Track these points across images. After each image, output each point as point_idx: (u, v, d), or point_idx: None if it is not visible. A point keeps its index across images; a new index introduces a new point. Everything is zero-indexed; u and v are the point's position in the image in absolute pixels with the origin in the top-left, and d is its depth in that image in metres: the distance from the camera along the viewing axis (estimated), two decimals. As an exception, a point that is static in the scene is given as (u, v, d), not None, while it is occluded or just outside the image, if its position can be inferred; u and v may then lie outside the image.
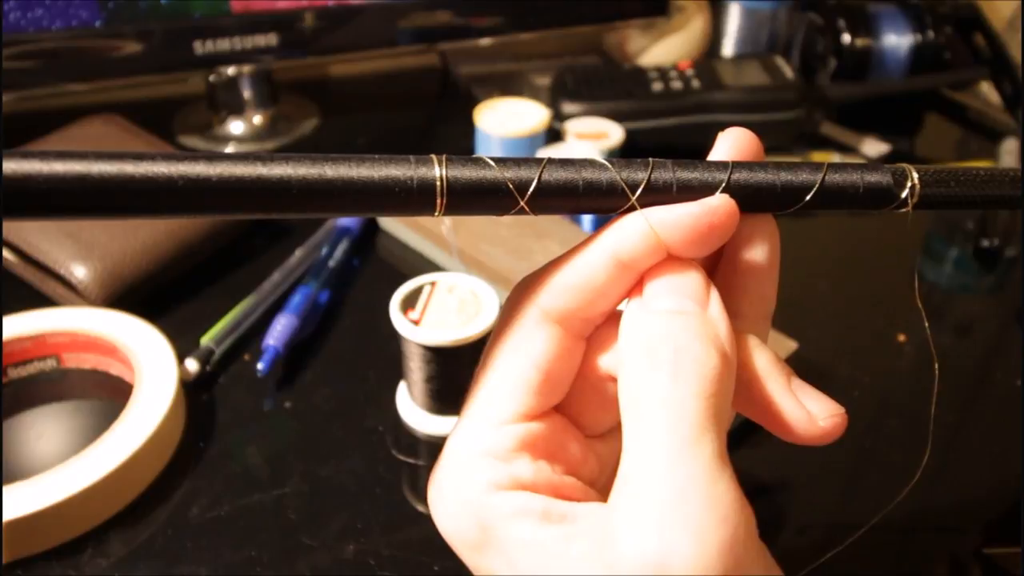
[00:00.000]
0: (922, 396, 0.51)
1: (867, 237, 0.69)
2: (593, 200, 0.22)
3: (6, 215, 0.18)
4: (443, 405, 0.45)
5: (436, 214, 0.21)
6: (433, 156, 0.21)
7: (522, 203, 0.22)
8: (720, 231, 0.22)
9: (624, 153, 0.68)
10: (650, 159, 0.23)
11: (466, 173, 0.21)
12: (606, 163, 0.22)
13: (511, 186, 0.21)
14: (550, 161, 0.22)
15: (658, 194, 0.22)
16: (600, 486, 0.25)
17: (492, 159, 0.22)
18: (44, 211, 0.19)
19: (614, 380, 0.24)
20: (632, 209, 0.22)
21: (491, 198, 0.22)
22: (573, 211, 0.23)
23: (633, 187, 0.22)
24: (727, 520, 0.19)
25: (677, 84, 0.75)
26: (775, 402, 0.23)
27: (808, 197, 0.23)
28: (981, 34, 0.80)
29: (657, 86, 0.75)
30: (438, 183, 0.21)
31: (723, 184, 0.22)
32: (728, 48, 0.88)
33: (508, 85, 0.82)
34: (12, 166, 0.18)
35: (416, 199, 0.21)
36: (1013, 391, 0.51)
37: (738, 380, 0.22)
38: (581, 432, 0.25)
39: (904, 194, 0.23)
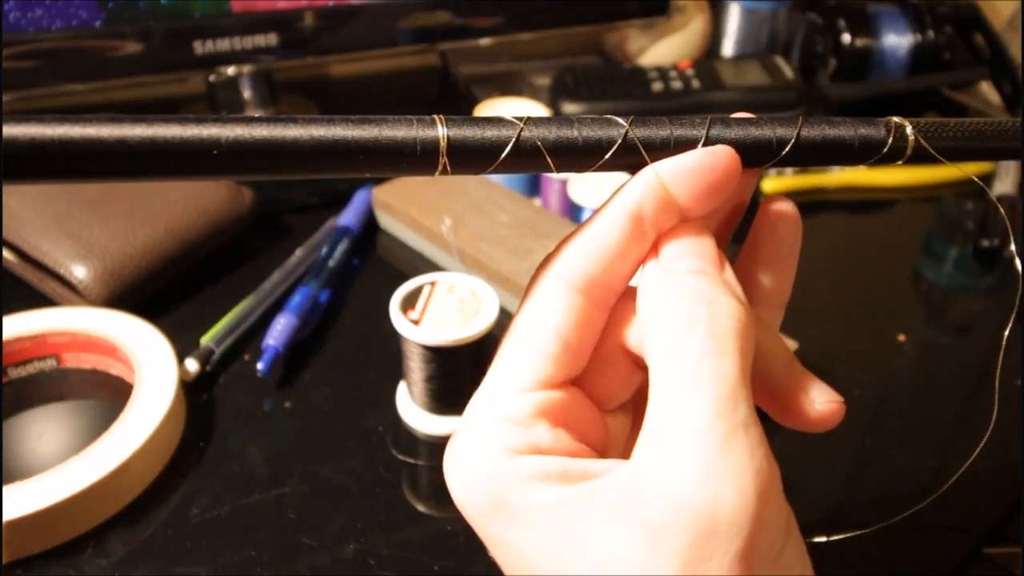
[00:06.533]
0: (922, 396, 0.51)
1: (867, 237, 0.69)
2: (592, 157, 0.23)
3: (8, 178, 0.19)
4: (443, 405, 0.45)
5: (437, 174, 0.22)
6: (435, 116, 0.22)
7: (550, 162, 0.22)
8: (725, 178, 0.22)
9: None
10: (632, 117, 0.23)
11: (466, 133, 0.22)
12: (597, 120, 0.23)
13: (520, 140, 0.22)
14: (580, 119, 0.23)
15: (655, 152, 0.23)
16: (610, 457, 0.25)
17: (499, 117, 0.22)
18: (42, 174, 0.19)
19: (628, 354, 0.24)
20: (637, 166, 0.23)
21: (494, 157, 0.22)
22: (581, 169, 0.23)
23: (630, 145, 0.23)
24: (762, 471, 0.19)
25: (677, 84, 0.75)
26: (776, 381, 0.23)
27: (785, 152, 0.24)
28: (981, 34, 0.80)
29: (657, 86, 0.75)
30: (441, 142, 0.21)
31: (702, 140, 0.23)
32: (728, 48, 0.88)
33: (508, 85, 0.82)
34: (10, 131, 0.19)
35: (419, 160, 0.21)
36: (1013, 391, 0.51)
37: None
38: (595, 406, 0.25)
39: (903, 143, 0.24)
